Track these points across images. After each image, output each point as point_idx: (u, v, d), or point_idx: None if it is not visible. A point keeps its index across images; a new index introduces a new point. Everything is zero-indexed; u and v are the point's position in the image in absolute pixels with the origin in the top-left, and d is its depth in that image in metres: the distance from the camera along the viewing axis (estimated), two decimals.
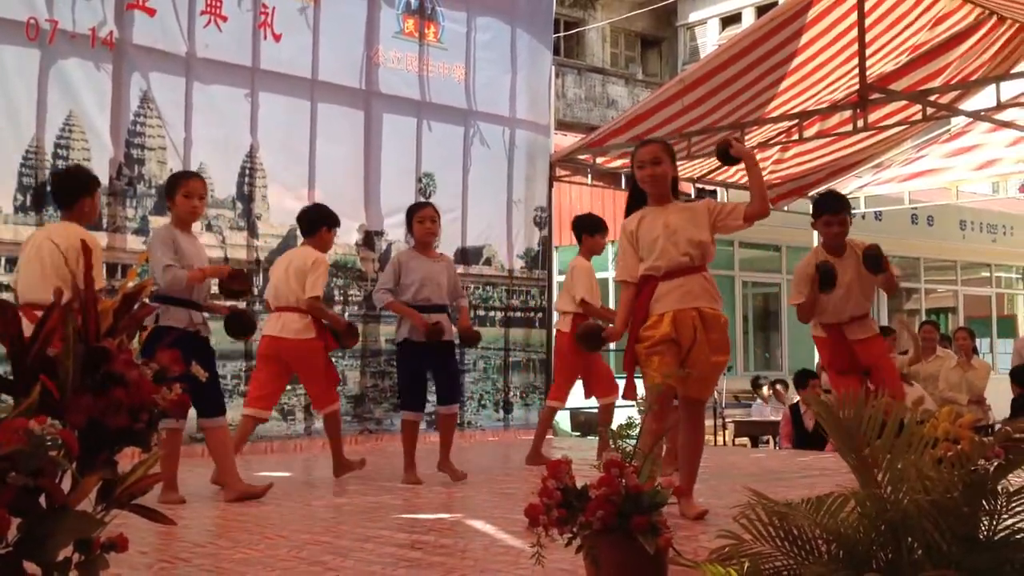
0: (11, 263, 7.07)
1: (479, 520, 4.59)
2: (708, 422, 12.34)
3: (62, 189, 5.15)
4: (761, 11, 19.44)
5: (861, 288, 5.66)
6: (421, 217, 6.17)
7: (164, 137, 7.87)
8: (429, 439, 7.37)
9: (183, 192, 5.28)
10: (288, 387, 8.24)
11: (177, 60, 7.97)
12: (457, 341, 6.38)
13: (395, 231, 9.18)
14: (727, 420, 12.28)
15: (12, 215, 7.15)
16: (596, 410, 7.64)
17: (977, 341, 11.41)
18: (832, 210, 5.71)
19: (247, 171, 8.36)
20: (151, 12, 7.84)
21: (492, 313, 10.05)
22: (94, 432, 2.02)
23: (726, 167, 11.49)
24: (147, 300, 2.63)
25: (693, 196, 11.10)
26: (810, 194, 11.47)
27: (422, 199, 8.89)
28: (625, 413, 4.45)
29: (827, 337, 5.78)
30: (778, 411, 11.82)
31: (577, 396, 7.63)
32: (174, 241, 5.19)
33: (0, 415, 1.92)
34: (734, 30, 20.43)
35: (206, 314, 5.39)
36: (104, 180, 7.56)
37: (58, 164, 7.33)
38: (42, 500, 1.90)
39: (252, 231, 8.34)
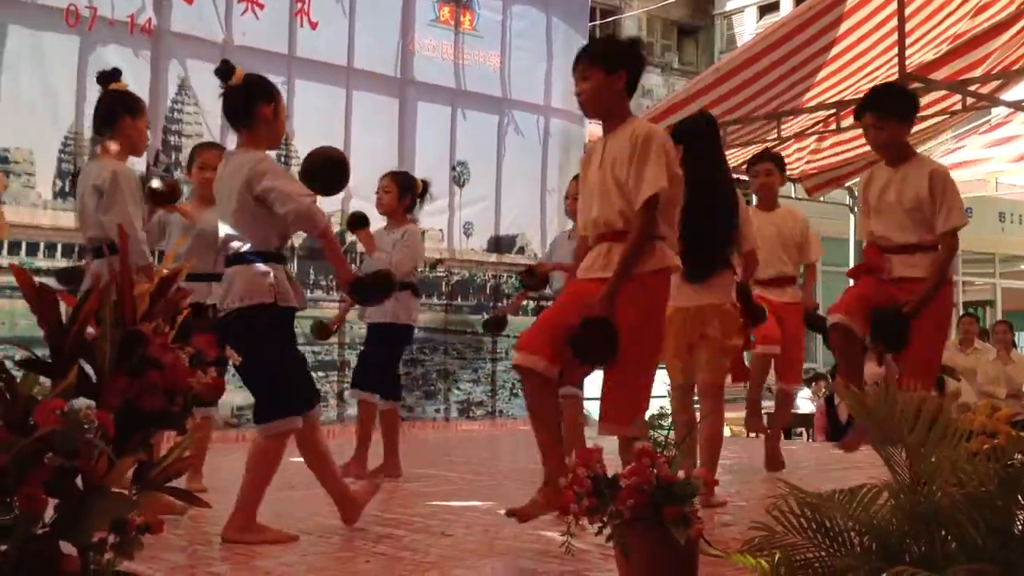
0: (50, 248, 7.16)
1: None
2: (741, 413, 12.12)
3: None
4: None
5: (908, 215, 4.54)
6: None
7: (201, 124, 7.94)
8: (461, 427, 7.35)
9: (198, 164, 5.15)
10: (321, 373, 8.36)
11: (214, 47, 8.01)
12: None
13: (428, 219, 9.21)
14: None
15: (51, 200, 7.23)
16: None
17: (1016, 334, 11.28)
18: (868, 109, 4.66)
19: (283, 159, 8.40)
20: None
21: (524, 302, 10.04)
22: (130, 414, 2.04)
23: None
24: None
25: None
26: (847, 184, 11.38)
27: (456, 187, 8.90)
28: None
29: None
30: (812, 403, 11.75)
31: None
32: (159, 221, 5.08)
33: (38, 396, 1.94)
34: (772, 18, 20.24)
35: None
36: (141, 167, 7.64)
37: (96, 150, 7.40)
38: (78, 481, 1.93)
39: None
